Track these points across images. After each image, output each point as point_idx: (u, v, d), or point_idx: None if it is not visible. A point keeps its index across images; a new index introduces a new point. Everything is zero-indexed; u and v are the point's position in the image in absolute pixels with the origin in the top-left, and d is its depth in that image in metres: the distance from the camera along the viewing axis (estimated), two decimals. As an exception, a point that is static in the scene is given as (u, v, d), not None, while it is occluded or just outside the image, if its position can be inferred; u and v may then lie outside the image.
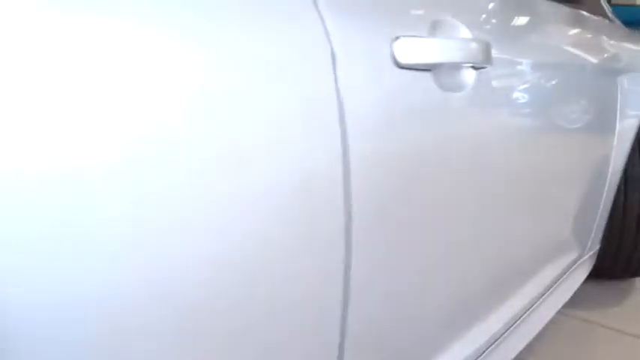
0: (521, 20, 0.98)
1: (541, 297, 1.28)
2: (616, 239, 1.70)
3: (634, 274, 1.84)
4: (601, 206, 1.50)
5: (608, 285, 1.88)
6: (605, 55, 1.38)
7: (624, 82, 1.43)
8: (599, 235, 1.59)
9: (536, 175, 1.10)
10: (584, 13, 1.41)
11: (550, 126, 1.11)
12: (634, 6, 4.66)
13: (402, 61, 0.61)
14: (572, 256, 1.47)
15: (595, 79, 1.31)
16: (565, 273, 1.45)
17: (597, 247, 1.62)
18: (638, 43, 1.66)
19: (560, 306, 1.38)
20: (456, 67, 0.73)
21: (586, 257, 1.58)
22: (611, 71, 1.39)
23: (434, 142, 0.69)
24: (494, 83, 0.82)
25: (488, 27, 0.83)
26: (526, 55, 0.95)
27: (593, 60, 1.31)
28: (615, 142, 1.44)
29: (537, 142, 1.05)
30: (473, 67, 0.76)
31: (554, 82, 1.07)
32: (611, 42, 1.46)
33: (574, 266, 1.51)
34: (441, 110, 0.70)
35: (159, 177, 0.39)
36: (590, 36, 1.35)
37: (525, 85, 0.94)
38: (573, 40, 1.25)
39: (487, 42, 0.78)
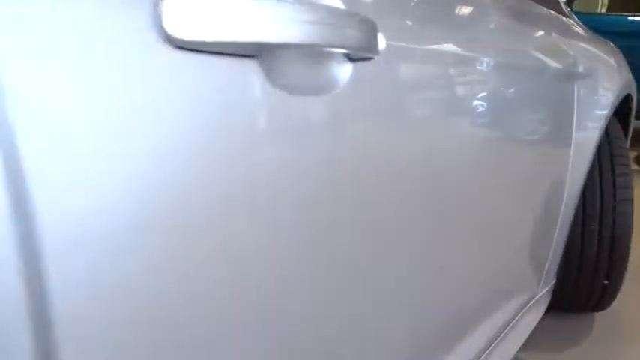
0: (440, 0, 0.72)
1: (491, 344, 1.05)
2: (574, 271, 1.47)
3: (595, 309, 1.61)
4: (555, 236, 1.26)
5: (567, 320, 1.65)
6: (560, 57, 1.14)
7: (581, 88, 1.20)
8: (554, 269, 1.35)
9: (469, 205, 0.85)
10: (535, 4, 1.17)
11: (483, 144, 0.86)
12: (596, 14, 4.51)
13: (180, 35, 0.34)
14: (523, 295, 1.23)
15: (546, 84, 1.07)
16: (517, 314, 1.21)
17: (553, 281, 1.38)
18: (597, 45, 1.44)
19: (515, 350, 1.17)
20: (311, 53, 0.46)
21: (540, 294, 1.34)
22: (566, 75, 1.15)
23: (270, 180, 0.43)
24: (387, 83, 0.55)
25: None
26: (445, 46, 0.69)
27: (544, 61, 1.07)
28: (571, 161, 1.21)
29: (466, 165, 0.80)
30: (348, 58, 0.50)
31: (487, 87, 0.82)
32: (567, 41, 1.22)
33: (526, 306, 1.26)
34: (281, 125, 0.43)
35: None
36: (541, 32, 1.11)
37: (440, 89, 0.68)
38: (518, 35, 1.01)
39: (370, 20, 0.51)
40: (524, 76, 1.02)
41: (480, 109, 0.80)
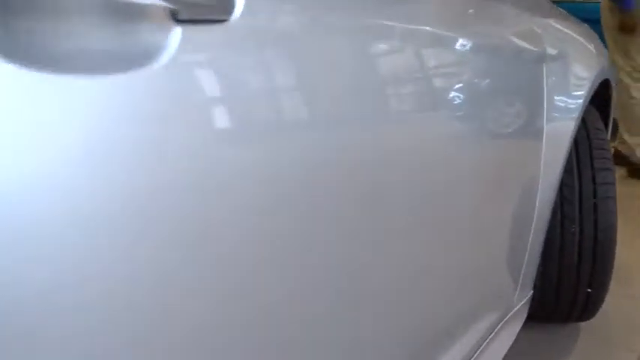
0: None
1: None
2: (555, 278, 1.32)
3: (580, 318, 1.46)
4: (530, 241, 1.10)
5: (551, 331, 1.50)
6: (524, 35, 0.99)
7: (552, 73, 1.04)
8: (531, 278, 1.20)
9: (413, 209, 0.70)
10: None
11: (433, 136, 0.71)
12: (576, 2, 4.38)
13: None
14: (495, 311, 1.07)
15: (507, 66, 0.91)
16: (490, 332, 1.06)
17: (530, 292, 1.23)
18: (570, 25, 1.28)
19: None
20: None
21: (517, 308, 1.18)
22: (532, 57, 1.00)
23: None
24: (248, 57, 0.39)
25: None
26: (352, 13, 0.53)
27: (508, 38, 0.91)
28: (543, 155, 1.05)
29: (403, 165, 0.64)
30: (173, 17, 0.34)
31: (418, 67, 0.66)
32: (534, 19, 1.07)
33: (501, 322, 1.11)
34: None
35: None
36: (505, 6, 0.96)
37: (342, 73, 0.52)
38: (476, 9, 0.86)
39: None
40: (489, 58, 0.86)
41: (407, 94, 0.64)
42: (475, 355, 1.01)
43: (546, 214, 1.13)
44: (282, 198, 0.46)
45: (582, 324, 1.52)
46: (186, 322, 0.40)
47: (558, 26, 1.17)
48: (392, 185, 0.65)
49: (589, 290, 1.31)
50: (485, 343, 1.05)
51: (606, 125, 1.64)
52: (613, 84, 1.48)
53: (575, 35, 1.24)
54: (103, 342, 0.35)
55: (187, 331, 0.40)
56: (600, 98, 1.55)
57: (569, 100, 1.13)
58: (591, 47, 1.33)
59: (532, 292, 1.24)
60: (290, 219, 0.47)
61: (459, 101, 0.81)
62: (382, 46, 0.62)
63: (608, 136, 1.67)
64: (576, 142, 1.27)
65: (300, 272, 0.50)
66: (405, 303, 0.75)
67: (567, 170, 1.25)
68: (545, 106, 1.02)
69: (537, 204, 1.07)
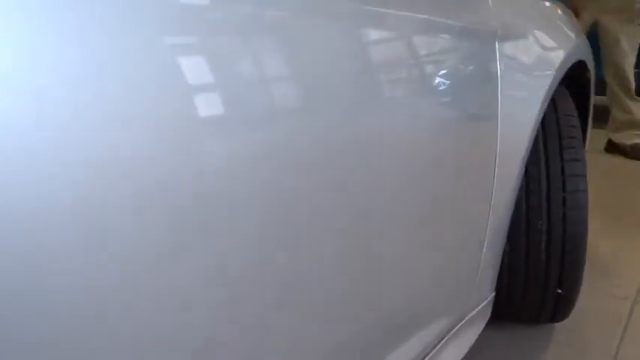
0: None
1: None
2: (521, 278, 1.21)
3: (552, 319, 1.36)
4: (485, 242, 1.00)
5: (523, 332, 1.40)
6: (473, 8, 0.88)
7: (507, 51, 0.93)
8: (491, 278, 1.09)
9: (347, 206, 0.61)
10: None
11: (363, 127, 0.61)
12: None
13: None
14: (449, 314, 0.98)
15: (450, 43, 0.80)
16: (445, 335, 0.97)
17: (491, 294, 1.13)
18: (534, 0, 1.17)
19: None
20: None
21: (476, 311, 1.08)
22: (483, 33, 0.88)
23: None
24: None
25: None
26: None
27: (449, 12, 0.80)
28: (499, 142, 0.94)
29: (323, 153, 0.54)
30: None
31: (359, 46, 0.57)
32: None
33: (457, 326, 1.01)
34: None
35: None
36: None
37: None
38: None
39: None
40: (429, 35, 0.76)
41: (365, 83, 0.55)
42: (429, 356, 0.92)
43: (504, 212, 1.02)
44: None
45: (558, 325, 1.42)
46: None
47: (519, 2, 1.06)
48: (331, 180, 0.59)
49: (559, 291, 1.21)
50: (440, 345, 0.96)
51: (587, 111, 1.53)
52: (589, 66, 1.37)
53: (541, 12, 1.13)
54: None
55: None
56: (577, 82, 1.45)
57: (531, 84, 1.02)
58: (562, 26, 1.21)
59: (494, 293, 1.14)
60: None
61: (391, 86, 0.71)
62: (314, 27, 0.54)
63: (589, 122, 1.56)
64: (544, 130, 1.16)
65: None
66: (352, 299, 0.68)
67: (533, 161, 1.14)
68: (499, 91, 0.91)
69: (493, 201, 0.96)
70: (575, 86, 1.44)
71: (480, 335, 1.35)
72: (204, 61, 0.44)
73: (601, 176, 2.69)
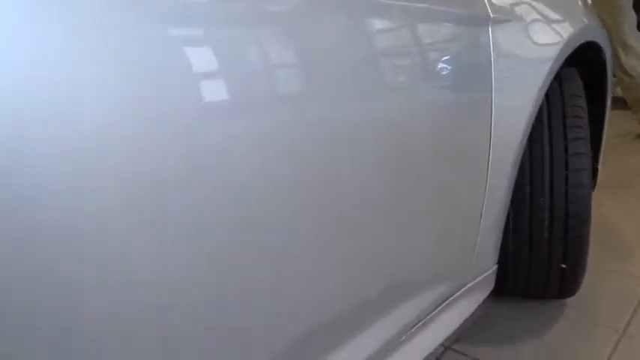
0: None
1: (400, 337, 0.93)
2: (525, 254, 1.26)
3: (560, 295, 1.40)
4: (482, 212, 1.05)
5: (534, 307, 1.44)
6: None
7: (501, 35, 0.98)
8: (489, 252, 1.15)
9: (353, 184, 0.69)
10: None
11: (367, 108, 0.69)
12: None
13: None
14: (446, 283, 1.04)
15: (441, 28, 0.86)
16: (441, 303, 1.04)
17: (492, 267, 1.18)
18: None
19: (436, 342, 1.03)
20: None
21: (475, 281, 1.14)
22: (474, 18, 0.94)
23: None
24: None
25: None
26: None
27: None
28: (493, 118, 0.99)
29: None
30: None
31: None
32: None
33: (454, 295, 1.08)
34: None
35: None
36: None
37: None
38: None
39: None
40: (415, 22, 0.82)
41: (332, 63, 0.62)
42: (429, 317, 0.99)
43: (502, 183, 1.07)
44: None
45: (570, 303, 1.46)
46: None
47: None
48: (340, 156, 0.67)
49: (563, 266, 1.25)
50: (439, 308, 1.02)
51: (604, 93, 1.55)
52: (603, 46, 1.38)
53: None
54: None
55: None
56: (596, 64, 1.46)
57: (528, 66, 1.06)
58: (568, 8, 1.24)
59: (496, 267, 1.20)
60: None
61: (386, 69, 0.77)
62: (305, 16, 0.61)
63: (608, 104, 1.58)
64: (549, 110, 1.20)
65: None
66: (354, 262, 0.76)
67: (536, 139, 1.18)
68: (493, 72, 0.96)
69: (488, 173, 1.02)
70: (591, 69, 1.46)
71: (491, 310, 1.41)
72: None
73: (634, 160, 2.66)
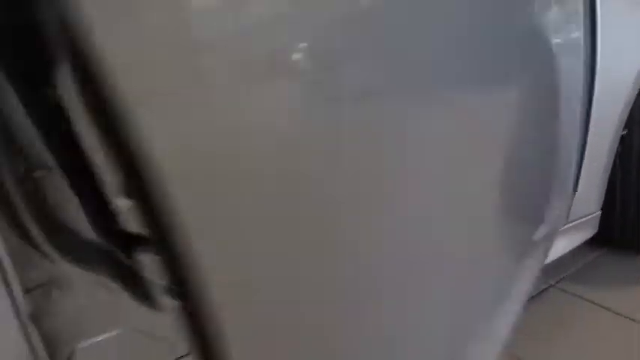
0: None
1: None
2: (633, 202, 1.40)
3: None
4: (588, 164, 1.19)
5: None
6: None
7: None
8: (594, 198, 1.30)
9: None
10: None
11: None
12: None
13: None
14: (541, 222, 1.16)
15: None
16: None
17: (595, 211, 1.33)
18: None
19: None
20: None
21: (579, 221, 1.29)
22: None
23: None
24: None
25: None
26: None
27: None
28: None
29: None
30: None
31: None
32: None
33: (562, 228, 1.23)
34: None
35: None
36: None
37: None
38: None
39: None
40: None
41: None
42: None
43: (607, 140, 1.21)
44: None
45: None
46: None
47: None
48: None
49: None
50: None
51: None
52: None
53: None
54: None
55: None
56: None
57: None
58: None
59: (599, 212, 1.33)
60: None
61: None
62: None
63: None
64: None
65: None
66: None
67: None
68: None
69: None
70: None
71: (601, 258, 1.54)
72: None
73: None
